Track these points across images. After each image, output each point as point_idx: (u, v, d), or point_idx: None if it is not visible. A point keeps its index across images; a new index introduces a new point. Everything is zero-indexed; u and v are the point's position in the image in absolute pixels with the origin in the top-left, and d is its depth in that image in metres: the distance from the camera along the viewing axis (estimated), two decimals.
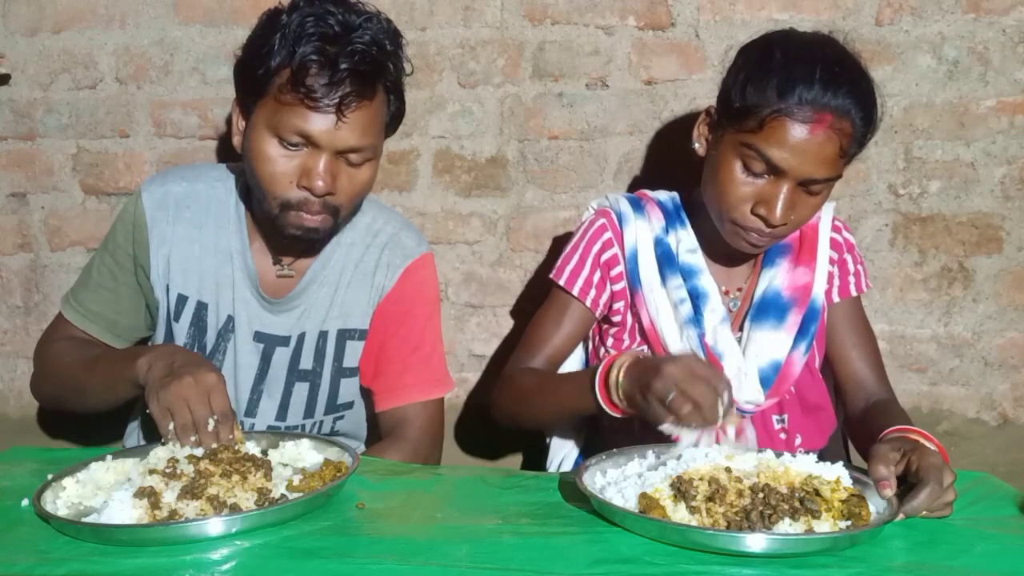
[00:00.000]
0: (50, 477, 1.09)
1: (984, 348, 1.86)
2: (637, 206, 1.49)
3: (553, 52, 1.82)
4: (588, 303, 1.48)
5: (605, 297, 1.49)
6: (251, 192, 1.39)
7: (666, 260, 1.44)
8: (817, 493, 1.01)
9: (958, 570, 0.92)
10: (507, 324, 1.93)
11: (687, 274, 1.44)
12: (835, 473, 1.06)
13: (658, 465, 1.13)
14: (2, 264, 1.96)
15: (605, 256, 1.47)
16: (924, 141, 1.81)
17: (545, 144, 1.86)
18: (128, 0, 1.84)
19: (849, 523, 0.98)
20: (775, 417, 1.44)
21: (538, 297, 1.91)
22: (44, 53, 1.87)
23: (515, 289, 1.92)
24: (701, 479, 1.02)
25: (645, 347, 1.47)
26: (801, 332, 1.42)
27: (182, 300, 1.42)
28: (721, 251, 1.45)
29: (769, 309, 1.42)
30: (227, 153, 1.89)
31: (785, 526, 0.96)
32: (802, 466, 1.07)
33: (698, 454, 1.09)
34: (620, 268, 1.47)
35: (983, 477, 1.20)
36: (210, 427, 1.15)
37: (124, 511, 0.99)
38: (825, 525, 0.98)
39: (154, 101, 1.88)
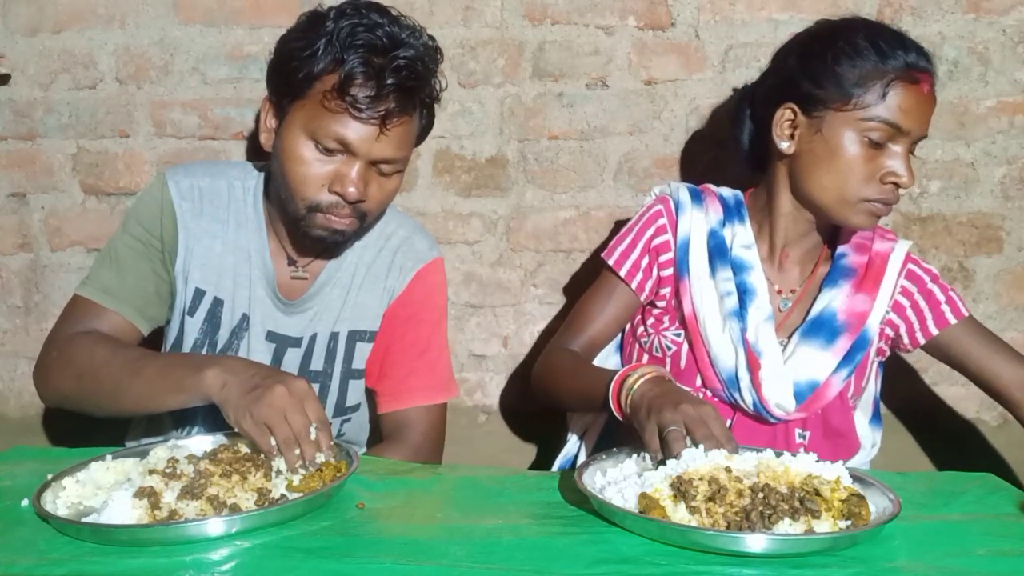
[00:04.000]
0: (50, 477, 1.09)
1: None
2: (696, 197, 1.52)
3: (553, 52, 1.82)
4: (634, 286, 1.50)
5: (651, 282, 1.51)
6: (275, 192, 1.39)
7: (718, 252, 1.46)
8: (817, 493, 1.00)
9: (958, 570, 0.92)
10: (507, 324, 1.93)
11: (738, 268, 1.45)
12: (835, 473, 1.06)
13: (657, 465, 1.13)
14: (2, 264, 1.96)
15: (656, 241, 1.50)
16: (924, 141, 1.80)
17: (545, 144, 1.85)
18: (128, 0, 1.84)
19: (849, 523, 0.98)
20: (797, 431, 1.44)
21: (539, 297, 1.91)
22: (44, 53, 1.87)
23: (515, 289, 1.92)
24: (701, 479, 1.02)
25: (683, 334, 1.48)
26: (847, 358, 1.42)
27: (199, 295, 1.42)
28: (779, 251, 1.47)
29: (822, 329, 1.42)
30: (228, 153, 1.89)
31: (785, 526, 0.96)
32: (802, 466, 1.07)
33: (698, 454, 1.09)
34: (670, 255, 1.49)
35: (983, 477, 1.20)
36: (312, 436, 1.12)
37: (124, 511, 0.99)
38: (825, 525, 0.98)
39: (154, 101, 1.88)
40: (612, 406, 1.27)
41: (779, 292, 1.48)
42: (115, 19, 1.85)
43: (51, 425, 2.00)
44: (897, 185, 1.34)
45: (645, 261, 1.50)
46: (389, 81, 1.25)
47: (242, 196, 1.44)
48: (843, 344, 1.41)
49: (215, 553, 0.94)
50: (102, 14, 1.85)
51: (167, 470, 1.09)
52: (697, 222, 1.48)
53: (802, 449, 1.42)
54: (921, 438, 1.89)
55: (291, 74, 1.28)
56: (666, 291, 1.50)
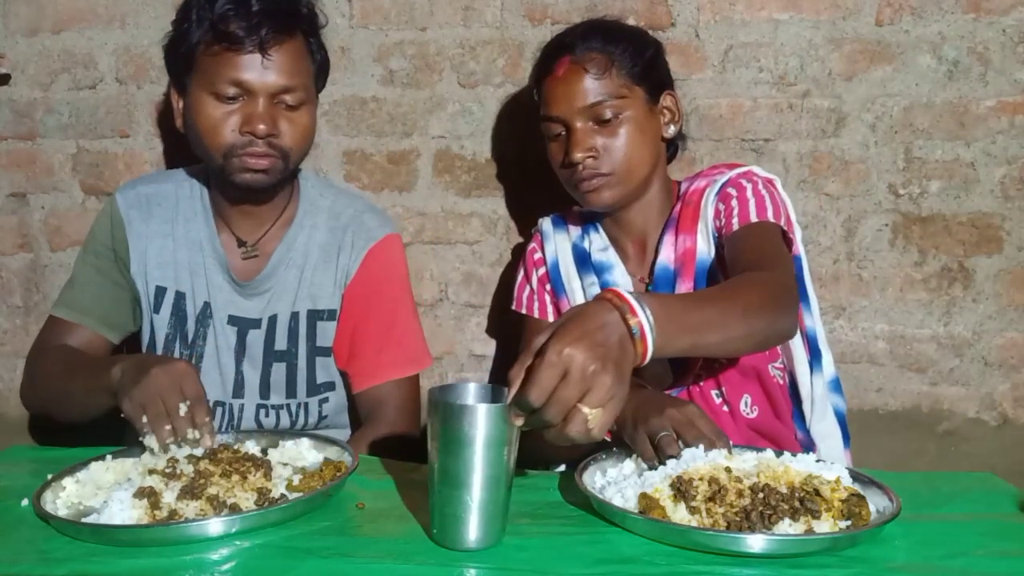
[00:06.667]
0: (50, 477, 1.09)
1: (984, 348, 1.86)
2: (559, 221, 1.62)
3: None
4: (551, 319, 1.57)
5: (555, 309, 1.59)
6: (203, 167, 1.48)
7: (581, 261, 1.55)
8: (817, 493, 1.00)
9: (958, 570, 0.92)
10: (507, 324, 1.93)
11: (599, 270, 1.53)
12: (835, 473, 1.06)
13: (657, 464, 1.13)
14: (2, 264, 1.96)
15: (539, 274, 1.60)
16: (924, 141, 1.81)
17: (545, 144, 1.85)
18: (128, 0, 1.84)
19: (849, 523, 0.98)
20: (714, 392, 1.44)
21: None
22: (44, 53, 1.87)
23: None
24: (701, 479, 1.02)
25: None
26: None
27: (161, 291, 1.49)
28: (628, 245, 1.54)
29: (659, 285, 1.47)
30: None
31: (785, 526, 0.96)
32: (802, 466, 1.07)
33: (698, 454, 1.09)
34: (550, 283, 1.58)
35: (984, 477, 1.21)
36: (182, 412, 1.13)
37: (124, 511, 0.99)
38: (825, 525, 0.98)
39: (154, 101, 1.88)
40: None
41: (641, 280, 1.52)
42: (115, 19, 1.85)
43: (50, 425, 1.99)
44: (580, 164, 1.42)
45: (546, 296, 1.59)
46: (256, 8, 1.32)
47: (189, 193, 1.52)
48: (684, 286, 1.43)
49: (215, 553, 0.94)
50: (102, 14, 1.85)
51: (167, 470, 1.09)
52: (561, 243, 1.58)
53: (724, 406, 1.42)
54: (921, 438, 1.89)
55: (178, 52, 1.37)
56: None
